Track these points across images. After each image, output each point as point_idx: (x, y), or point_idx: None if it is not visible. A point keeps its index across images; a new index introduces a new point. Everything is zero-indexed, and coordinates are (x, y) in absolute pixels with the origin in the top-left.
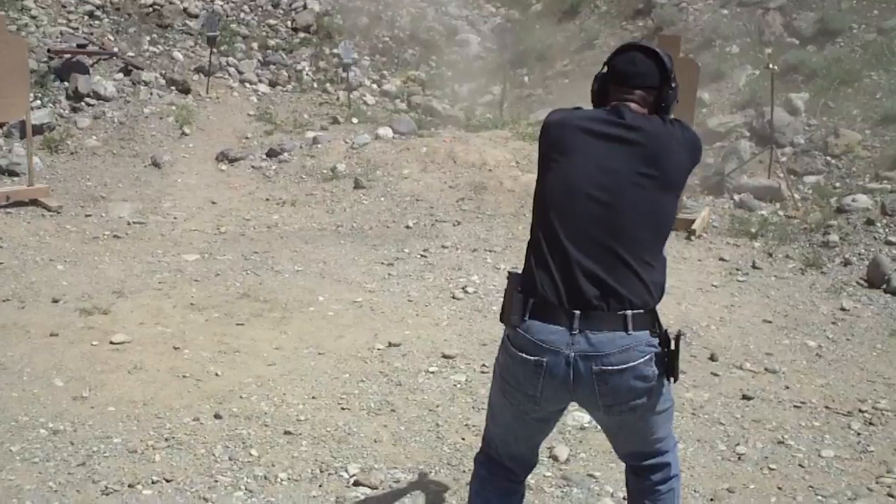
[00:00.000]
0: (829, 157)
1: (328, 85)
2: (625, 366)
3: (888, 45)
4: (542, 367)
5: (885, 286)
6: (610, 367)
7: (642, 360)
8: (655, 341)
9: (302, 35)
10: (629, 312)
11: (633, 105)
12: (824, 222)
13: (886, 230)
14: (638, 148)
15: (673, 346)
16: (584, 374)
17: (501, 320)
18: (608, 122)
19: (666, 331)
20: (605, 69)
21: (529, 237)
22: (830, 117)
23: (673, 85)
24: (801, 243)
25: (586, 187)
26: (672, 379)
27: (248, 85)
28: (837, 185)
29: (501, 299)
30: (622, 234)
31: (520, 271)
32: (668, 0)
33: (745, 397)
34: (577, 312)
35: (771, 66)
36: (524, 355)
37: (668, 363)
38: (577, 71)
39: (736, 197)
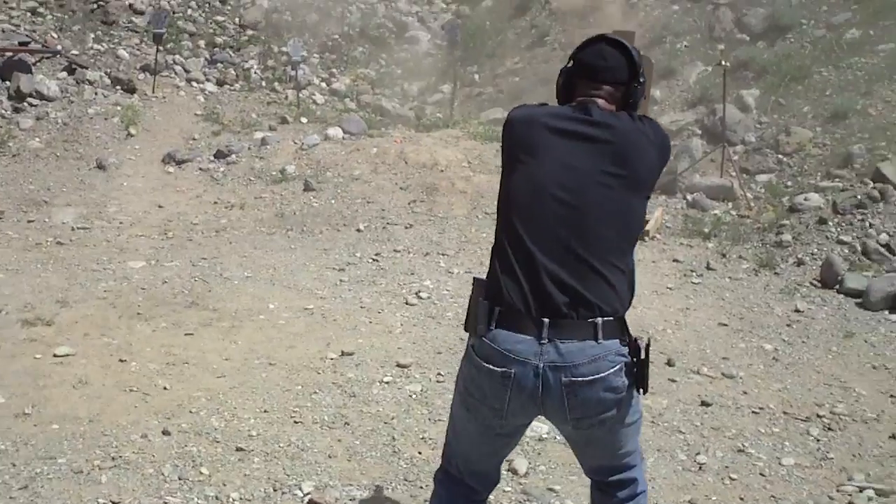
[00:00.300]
0: (780, 156)
1: (276, 84)
2: (594, 377)
3: (837, 41)
4: (509, 378)
5: (837, 286)
6: (580, 378)
7: (612, 370)
8: (625, 350)
9: (250, 32)
10: (599, 320)
11: (600, 101)
12: (777, 222)
13: (838, 229)
14: (605, 146)
15: (643, 355)
16: (553, 386)
17: (466, 329)
18: (574, 119)
19: (636, 339)
20: (571, 63)
21: (494, 241)
22: (781, 114)
23: (641, 80)
24: (755, 243)
25: (551, 188)
26: (641, 390)
27: (195, 84)
28: (789, 183)
29: (454, 304)
30: (588, 237)
31: (484, 277)
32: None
33: (703, 403)
34: (546, 321)
35: (723, 62)
36: (490, 366)
37: (637, 373)
38: (527, 69)
39: (689, 196)
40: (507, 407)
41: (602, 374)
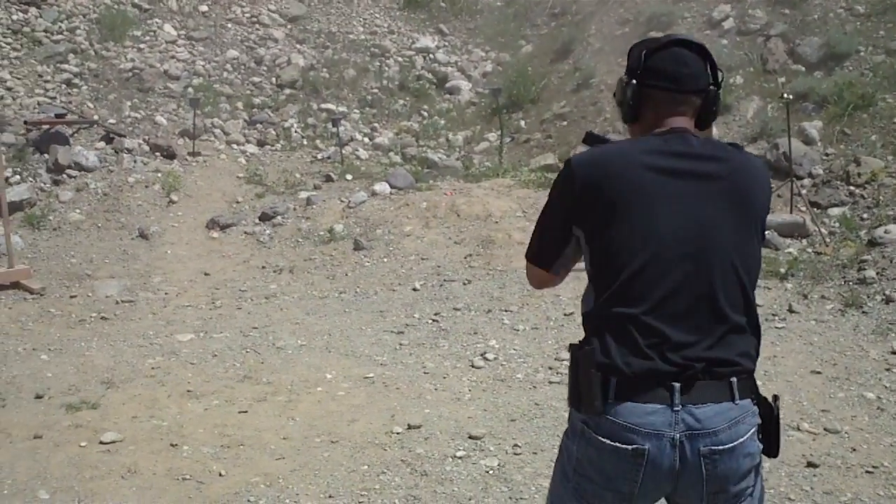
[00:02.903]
0: (852, 187)
1: (318, 141)
2: (735, 443)
3: None
4: (643, 455)
5: None
6: (720, 447)
7: (749, 433)
8: (757, 410)
9: (288, 91)
10: (734, 379)
11: (683, 119)
12: (857, 257)
13: None
14: (723, 183)
15: (776, 413)
16: (690, 458)
17: (573, 405)
18: (675, 154)
19: (764, 397)
20: (640, 72)
21: (594, 304)
22: (848, 145)
23: (721, 83)
24: (836, 281)
25: (671, 241)
26: (773, 454)
27: (235, 146)
28: (865, 216)
29: (524, 364)
30: (717, 289)
31: (578, 342)
32: (665, 35)
33: (810, 465)
34: (677, 385)
35: (786, 94)
36: (616, 444)
37: (770, 435)
38: (575, 112)
39: None
40: (639, 488)
41: (742, 439)
